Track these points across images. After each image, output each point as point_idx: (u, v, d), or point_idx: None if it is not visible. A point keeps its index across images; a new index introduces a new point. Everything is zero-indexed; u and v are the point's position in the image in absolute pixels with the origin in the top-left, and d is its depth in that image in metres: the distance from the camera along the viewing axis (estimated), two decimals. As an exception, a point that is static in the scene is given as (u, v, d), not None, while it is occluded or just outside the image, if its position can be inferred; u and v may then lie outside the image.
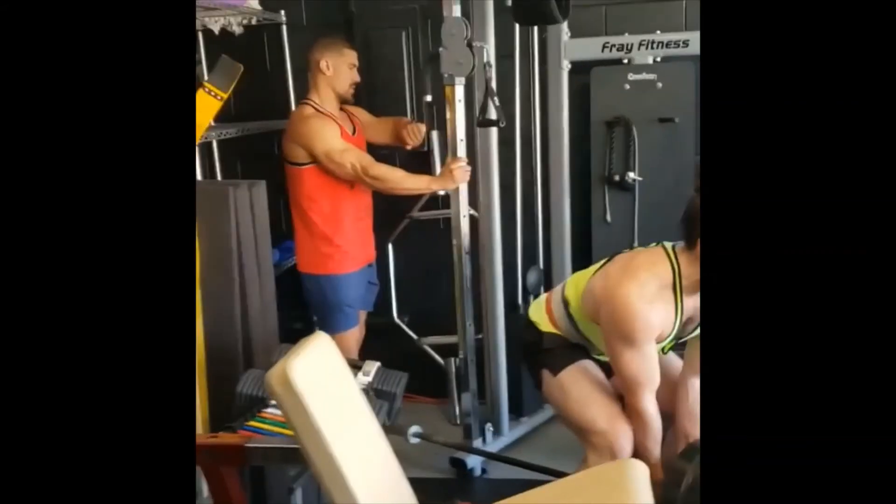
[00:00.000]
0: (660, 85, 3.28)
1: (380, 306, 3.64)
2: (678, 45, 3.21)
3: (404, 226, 3.64)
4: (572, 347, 2.49)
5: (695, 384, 2.37)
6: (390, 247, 3.66)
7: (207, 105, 2.61)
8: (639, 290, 2.18)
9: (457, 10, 2.86)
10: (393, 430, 3.10)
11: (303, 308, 3.40)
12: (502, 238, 3.32)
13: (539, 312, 2.56)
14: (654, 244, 2.34)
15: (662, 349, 2.38)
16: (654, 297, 2.19)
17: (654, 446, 2.31)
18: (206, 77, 2.70)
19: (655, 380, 2.27)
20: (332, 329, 3.22)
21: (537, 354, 2.54)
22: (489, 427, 3.31)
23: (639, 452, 2.32)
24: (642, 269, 2.24)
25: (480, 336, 3.32)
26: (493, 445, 3.29)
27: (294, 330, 3.42)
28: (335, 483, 1.67)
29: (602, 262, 2.43)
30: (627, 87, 3.31)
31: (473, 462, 3.20)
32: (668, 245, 2.28)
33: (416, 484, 3.12)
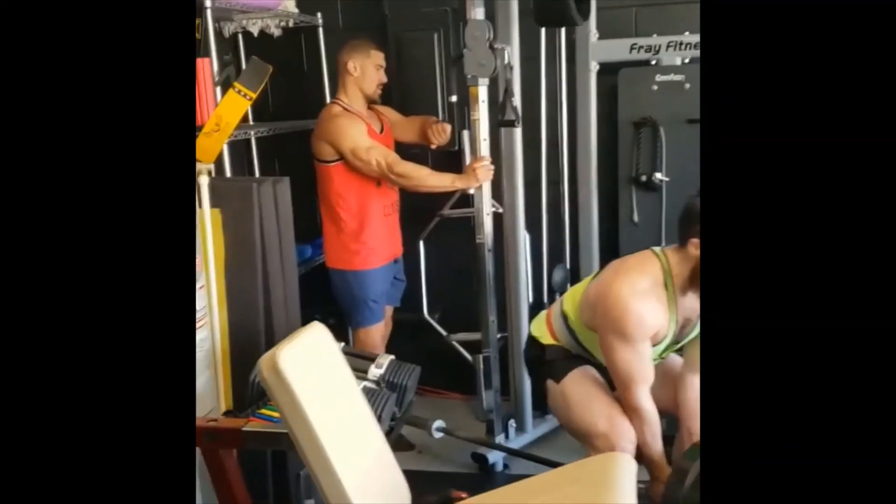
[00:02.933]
0: (688, 86, 3.27)
1: (411, 303, 3.72)
2: (707, 47, 3.20)
3: (435, 224, 3.70)
4: (574, 357, 2.54)
5: (694, 382, 2.40)
6: (421, 244, 3.72)
7: (237, 104, 2.70)
8: (631, 288, 2.24)
9: (480, 13, 2.92)
10: (417, 423, 3.18)
11: (334, 303, 3.48)
12: (529, 237, 3.40)
13: (540, 328, 2.63)
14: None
15: (661, 355, 2.42)
16: (646, 293, 2.24)
17: (655, 442, 2.33)
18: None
19: (649, 377, 2.30)
20: (357, 324, 3.31)
21: (541, 367, 2.60)
22: (512, 423, 3.35)
23: (641, 450, 2.34)
24: (633, 270, 2.31)
25: (506, 333, 3.37)
26: (516, 442, 3.33)
27: (326, 325, 3.50)
28: (322, 469, 1.74)
29: (594, 273, 2.51)
30: (655, 88, 3.31)
31: (495, 457, 3.25)
32: (658, 248, 2.35)
33: (439, 477, 3.21)
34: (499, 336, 3.34)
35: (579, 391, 2.46)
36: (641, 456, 2.35)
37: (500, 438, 3.29)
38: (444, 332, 3.79)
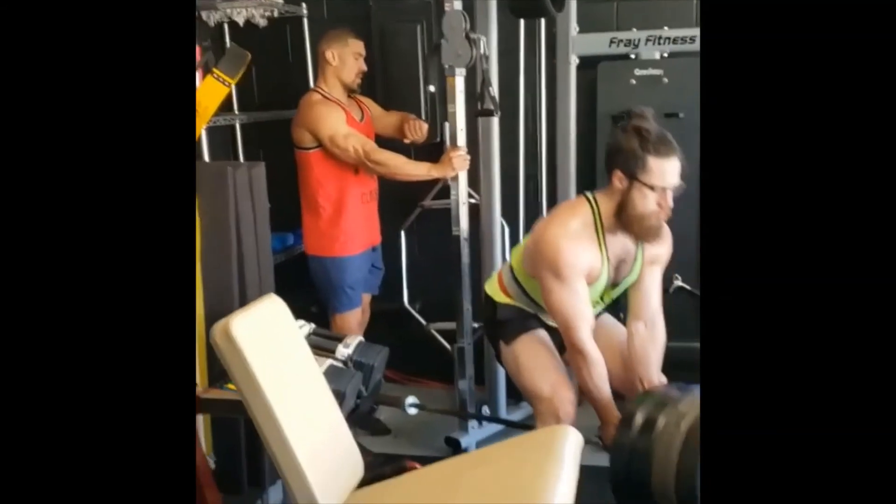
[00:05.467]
0: (666, 80, 3.30)
1: (392, 292, 3.77)
2: (685, 41, 3.24)
3: (416, 214, 3.75)
4: (525, 318, 2.62)
5: (639, 329, 2.48)
6: (402, 234, 3.77)
7: (216, 90, 2.74)
8: (563, 230, 2.35)
9: (458, 4, 2.96)
10: (390, 401, 3.21)
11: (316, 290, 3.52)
12: (508, 228, 3.48)
13: (493, 286, 2.71)
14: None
15: (600, 297, 2.49)
16: (577, 234, 2.34)
17: (602, 384, 2.37)
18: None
19: (589, 317, 2.37)
20: (334, 309, 3.35)
21: (493, 326, 2.69)
22: (486, 410, 3.38)
23: (588, 393, 2.39)
24: (563, 213, 2.44)
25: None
26: (490, 428, 3.35)
27: (310, 312, 3.54)
28: (273, 435, 1.78)
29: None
30: (634, 81, 3.35)
31: (467, 441, 3.28)
32: (589, 193, 2.44)
33: (413, 460, 3.24)
34: (476, 325, 3.37)
35: (527, 355, 2.55)
36: (588, 400, 2.42)
37: (472, 425, 3.32)
38: (423, 322, 3.83)
